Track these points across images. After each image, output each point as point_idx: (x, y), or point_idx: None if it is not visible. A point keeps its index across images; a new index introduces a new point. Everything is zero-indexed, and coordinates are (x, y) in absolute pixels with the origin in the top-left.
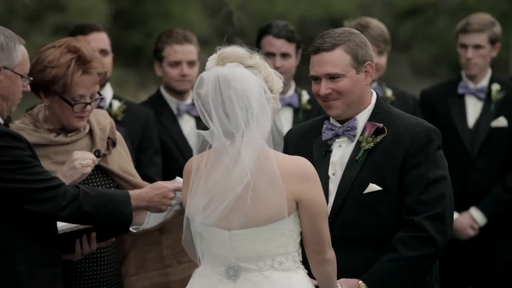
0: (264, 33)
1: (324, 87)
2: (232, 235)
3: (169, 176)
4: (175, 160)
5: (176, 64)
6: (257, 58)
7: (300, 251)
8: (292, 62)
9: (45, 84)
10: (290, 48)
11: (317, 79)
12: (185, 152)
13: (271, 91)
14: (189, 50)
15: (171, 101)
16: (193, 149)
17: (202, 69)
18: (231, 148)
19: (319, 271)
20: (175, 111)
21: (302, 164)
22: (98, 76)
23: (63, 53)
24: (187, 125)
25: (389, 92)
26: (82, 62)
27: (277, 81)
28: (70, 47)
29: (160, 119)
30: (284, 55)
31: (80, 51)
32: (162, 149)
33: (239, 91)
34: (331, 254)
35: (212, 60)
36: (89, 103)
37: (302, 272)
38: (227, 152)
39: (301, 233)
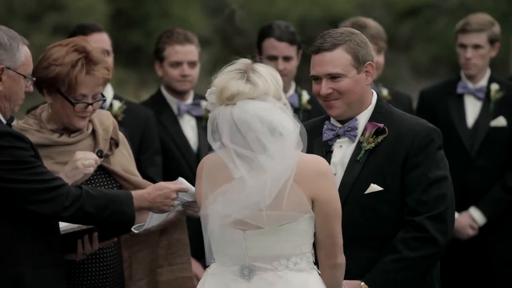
0: (265, 35)
1: (325, 87)
2: (247, 235)
3: (169, 176)
4: (176, 160)
5: (177, 64)
6: (259, 84)
7: (313, 252)
8: (294, 64)
9: (48, 82)
10: (292, 50)
11: (317, 79)
12: (186, 152)
13: (281, 99)
14: (190, 51)
15: (172, 101)
16: (193, 149)
17: (202, 69)
18: (259, 164)
19: (329, 275)
20: (175, 111)
21: (319, 162)
22: (103, 79)
23: (69, 52)
24: (188, 125)
25: (384, 92)
26: (88, 63)
27: (277, 81)
28: (78, 47)
29: (161, 119)
30: (286, 58)
31: (88, 51)
32: (162, 149)
33: (261, 128)
34: (342, 258)
35: (212, 95)
36: (91, 104)
37: (316, 273)
38: (255, 166)
39: (314, 234)
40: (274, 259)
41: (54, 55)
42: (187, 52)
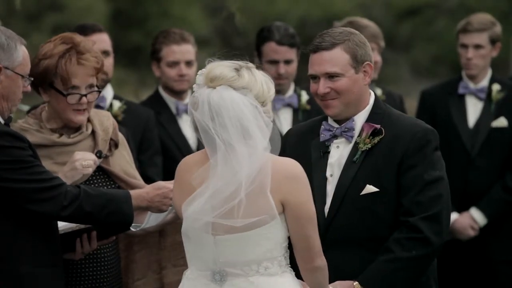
0: (265, 39)
1: (323, 86)
2: (217, 240)
3: (169, 176)
4: (175, 160)
5: (174, 64)
6: (245, 77)
7: (287, 255)
8: (294, 67)
9: (40, 78)
10: (292, 53)
11: (315, 78)
12: (185, 152)
13: (264, 104)
14: (187, 50)
15: (170, 101)
16: (193, 148)
17: (200, 69)
18: (230, 161)
19: (309, 279)
20: (174, 111)
21: (290, 165)
22: (94, 69)
23: (56, 45)
24: (186, 124)
25: (378, 92)
26: (76, 52)
27: (268, 90)
28: (65, 39)
29: (159, 119)
30: (287, 62)
31: (75, 42)
32: (161, 149)
33: (232, 118)
34: (321, 261)
35: (201, 76)
36: (85, 95)
37: (288, 275)
38: (226, 164)
39: (289, 238)
40: (245, 264)
41: (43, 51)
42: (184, 51)
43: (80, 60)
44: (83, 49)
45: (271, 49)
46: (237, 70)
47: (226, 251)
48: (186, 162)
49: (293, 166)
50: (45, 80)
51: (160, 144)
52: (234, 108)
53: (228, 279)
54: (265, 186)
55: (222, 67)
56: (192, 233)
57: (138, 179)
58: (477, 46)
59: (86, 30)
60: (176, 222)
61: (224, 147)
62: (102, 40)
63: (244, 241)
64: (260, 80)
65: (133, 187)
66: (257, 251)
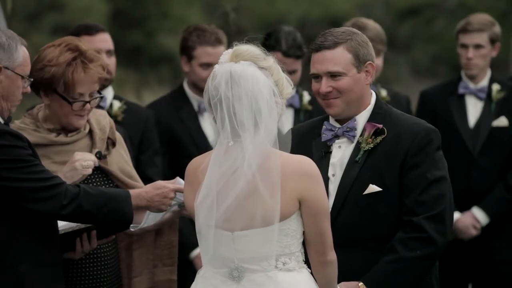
0: (272, 48)
1: (325, 85)
2: (235, 236)
3: (183, 174)
4: (192, 157)
5: (207, 65)
6: (270, 61)
7: (303, 250)
8: (298, 75)
9: (44, 83)
10: (298, 64)
11: (317, 77)
12: (203, 150)
13: (280, 95)
14: (221, 52)
15: (193, 98)
16: (212, 146)
17: None
18: (236, 148)
19: (320, 272)
20: (196, 108)
21: (305, 163)
22: (98, 77)
23: (62, 52)
24: (207, 122)
25: (383, 93)
26: (82, 61)
27: (287, 86)
28: (70, 46)
29: (179, 115)
30: (292, 72)
31: (81, 50)
32: (178, 146)
33: (249, 92)
34: (333, 255)
35: (226, 54)
36: (88, 102)
37: (306, 271)
38: (231, 153)
39: (303, 233)
40: (263, 260)
41: (48, 56)
42: (218, 54)
43: (86, 69)
44: (89, 58)
45: (276, 58)
46: (265, 53)
47: (244, 247)
48: (194, 163)
49: (307, 163)
50: (50, 86)
51: (176, 141)
52: (254, 84)
53: (245, 275)
54: (279, 182)
55: (249, 46)
56: (207, 231)
57: (136, 178)
58: (477, 46)
59: (90, 30)
60: (173, 222)
61: (229, 129)
62: (106, 40)
63: (262, 237)
64: (283, 73)
65: (131, 188)
66: (275, 246)
